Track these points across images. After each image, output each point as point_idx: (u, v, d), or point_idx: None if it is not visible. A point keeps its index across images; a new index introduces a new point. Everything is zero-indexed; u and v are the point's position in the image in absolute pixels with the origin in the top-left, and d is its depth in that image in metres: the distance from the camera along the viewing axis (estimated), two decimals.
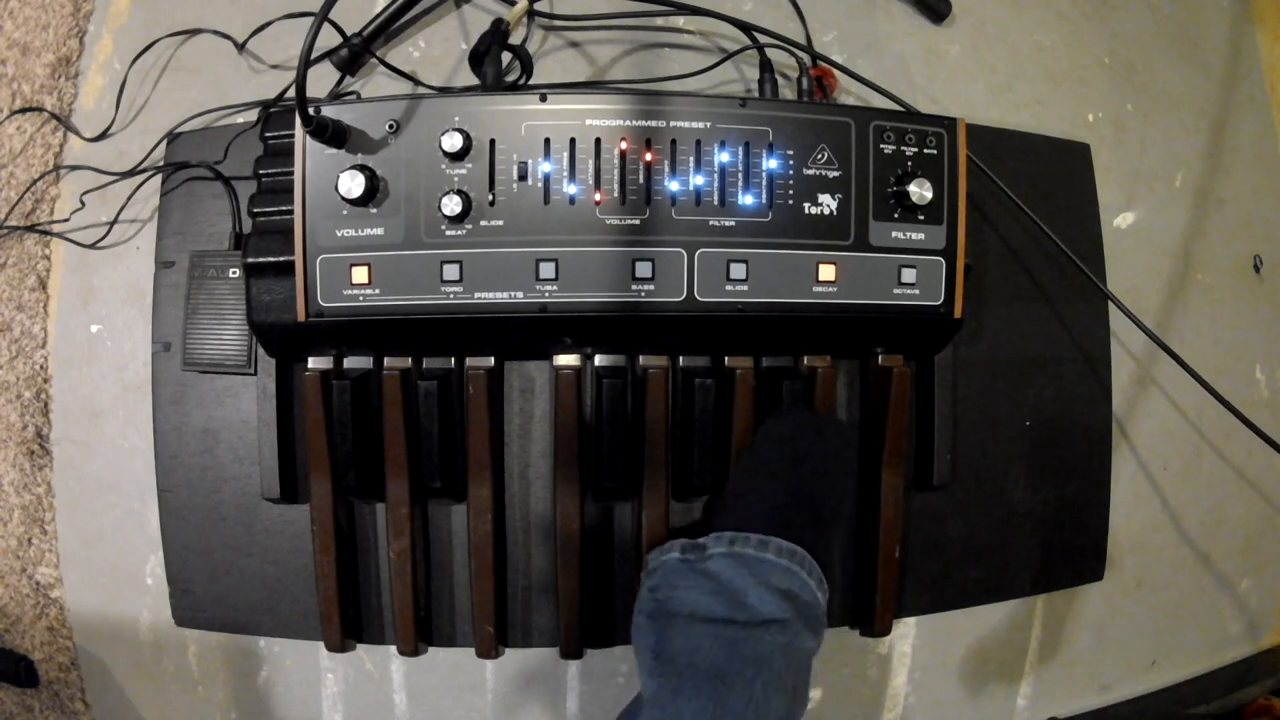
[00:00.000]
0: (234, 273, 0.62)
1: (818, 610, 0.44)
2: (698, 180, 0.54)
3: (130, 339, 0.67)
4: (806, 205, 0.56)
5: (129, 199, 0.66)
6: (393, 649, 0.64)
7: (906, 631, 0.72)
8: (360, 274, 0.53)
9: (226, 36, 0.68)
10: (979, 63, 0.76)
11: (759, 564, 0.41)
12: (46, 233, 0.68)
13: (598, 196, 0.54)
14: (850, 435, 0.50)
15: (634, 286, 0.54)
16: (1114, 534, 0.75)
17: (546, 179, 0.54)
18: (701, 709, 0.38)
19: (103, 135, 0.68)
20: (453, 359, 0.60)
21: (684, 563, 0.42)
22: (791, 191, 0.55)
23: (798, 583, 0.42)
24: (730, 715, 0.38)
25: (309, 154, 0.53)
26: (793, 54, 0.70)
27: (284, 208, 0.55)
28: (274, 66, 0.68)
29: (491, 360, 0.60)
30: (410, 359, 0.59)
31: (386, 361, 0.59)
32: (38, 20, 0.70)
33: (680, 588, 0.43)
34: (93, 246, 0.67)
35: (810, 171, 0.56)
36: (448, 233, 0.53)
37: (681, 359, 0.61)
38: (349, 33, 0.66)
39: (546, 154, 0.54)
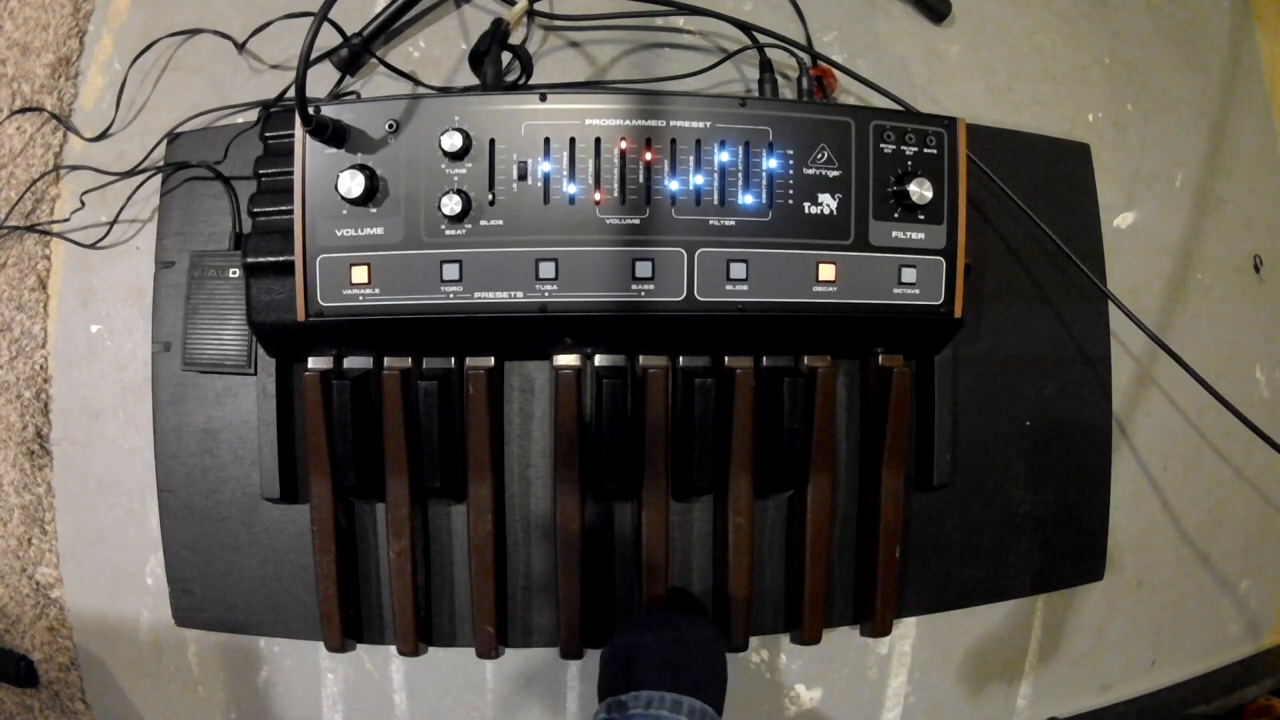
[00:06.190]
0: (234, 273, 0.62)
1: None
2: (698, 180, 0.54)
3: (130, 339, 0.67)
4: (806, 205, 0.56)
5: (129, 199, 0.66)
6: (393, 649, 0.64)
7: (906, 631, 0.71)
8: (360, 274, 0.53)
9: (226, 36, 0.68)
10: (979, 63, 0.76)
11: None
12: (46, 233, 0.68)
13: (598, 196, 0.54)
14: (713, 627, 0.60)
15: (634, 286, 0.54)
16: (1114, 534, 0.75)
17: (546, 179, 0.54)
18: None
19: (103, 135, 0.68)
20: (453, 359, 0.60)
21: None
22: (791, 191, 0.55)
23: None
24: None
25: (309, 154, 0.53)
26: (793, 54, 0.70)
27: (284, 208, 0.55)
28: (274, 66, 0.68)
29: (491, 360, 0.60)
30: (410, 359, 0.59)
31: (386, 361, 0.59)
32: (38, 20, 0.70)
33: None
34: (93, 246, 0.67)
35: (810, 171, 0.56)
36: (447, 232, 0.53)
37: (681, 359, 0.61)
38: (349, 33, 0.66)
39: (546, 154, 0.54)
